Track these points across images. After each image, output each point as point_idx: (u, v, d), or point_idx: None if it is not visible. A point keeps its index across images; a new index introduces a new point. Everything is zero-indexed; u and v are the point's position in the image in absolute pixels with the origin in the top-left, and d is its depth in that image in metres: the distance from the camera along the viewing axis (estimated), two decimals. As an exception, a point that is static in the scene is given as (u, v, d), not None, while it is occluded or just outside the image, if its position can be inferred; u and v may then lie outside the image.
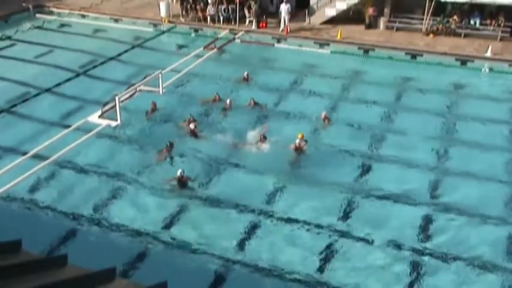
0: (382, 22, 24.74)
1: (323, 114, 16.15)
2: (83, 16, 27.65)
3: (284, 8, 24.22)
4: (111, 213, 12.01)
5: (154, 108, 16.76)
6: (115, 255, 10.30)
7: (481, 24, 23.61)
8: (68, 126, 15.66)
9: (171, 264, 10.40)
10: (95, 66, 20.86)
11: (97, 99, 17.39)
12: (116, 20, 26.99)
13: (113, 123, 15.71)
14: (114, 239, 11.17)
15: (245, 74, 19.19)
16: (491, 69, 20.77)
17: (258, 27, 25.15)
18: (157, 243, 11.04)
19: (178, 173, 12.84)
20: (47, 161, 13.76)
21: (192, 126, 15.09)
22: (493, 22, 23.32)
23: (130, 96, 17.23)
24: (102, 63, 21.27)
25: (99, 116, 16.11)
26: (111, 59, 21.70)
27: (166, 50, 23.34)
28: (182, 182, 12.85)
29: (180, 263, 10.47)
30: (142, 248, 10.88)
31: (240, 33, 24.59)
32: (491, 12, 23.73)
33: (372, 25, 24.92)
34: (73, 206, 12.19)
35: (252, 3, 25.08)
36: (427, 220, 11.86)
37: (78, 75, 20.04)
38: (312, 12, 25.61)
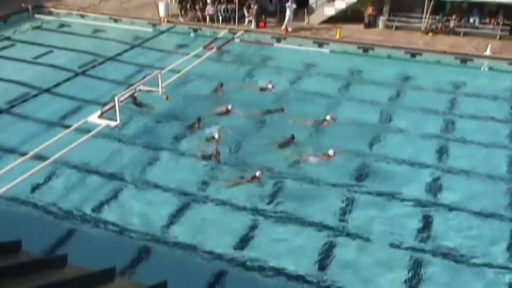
0: (381, 21, 24.76)
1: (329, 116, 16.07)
2: (82, 16, 27.64)
3: (291, 6, 24.18)
4: (111, 213, 11.99)
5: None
6: (115, 255, 10.29)
7: (480, 22, 23.63)
8: (68, 127, 15.65)
9: (171, 264, 10.40)
10: (94, 66, 20.84)
11: (96, 99, 17.39)
12: (115, 20, 26.99)
13: (113, 123, 15.72)
14: (114, 239, 11.16)
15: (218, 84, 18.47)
16: (490, 68, 20.78)
17: (257, 26, 25.14)
18: (158, 243, 11.03)
19: (257, 173, 12.89)
20: (47, 161, 13.74)
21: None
22: (492, 21, 23.34)
23: (130, 96, 17.23)
24: (101, 63, 21.26)
25: (99, 116, 16.12)
26: (110, 59, 21.67)
27: (166, 49, 23.30)
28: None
29: (180, 263, 10.47)
30: (142, 248, 10.87)
31: (239, 33, 24.59)
32: (491, 10, 23.74)
33: (371, 24, 24.95)
34: (73, 206, 12.17)
35: (251, 3, 25.09)
36: (425, 219, 11.88)
37: (77, 75, 20.03)
38: (311, 12, 25.61)
